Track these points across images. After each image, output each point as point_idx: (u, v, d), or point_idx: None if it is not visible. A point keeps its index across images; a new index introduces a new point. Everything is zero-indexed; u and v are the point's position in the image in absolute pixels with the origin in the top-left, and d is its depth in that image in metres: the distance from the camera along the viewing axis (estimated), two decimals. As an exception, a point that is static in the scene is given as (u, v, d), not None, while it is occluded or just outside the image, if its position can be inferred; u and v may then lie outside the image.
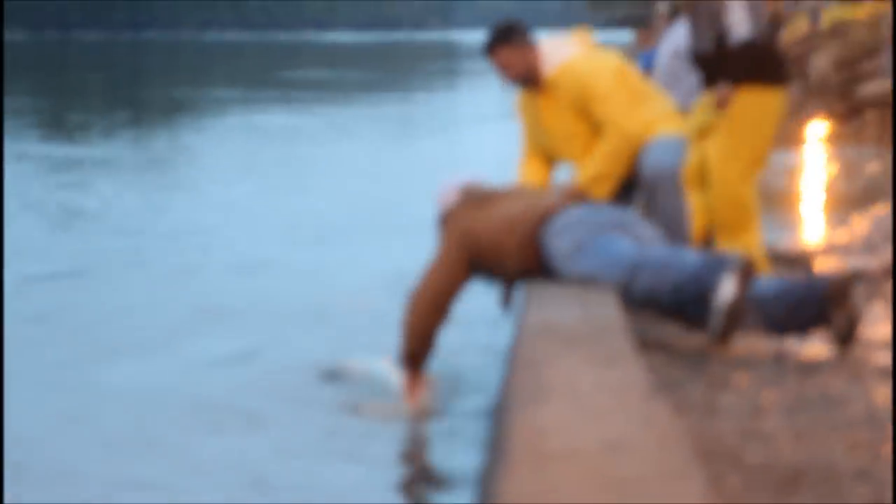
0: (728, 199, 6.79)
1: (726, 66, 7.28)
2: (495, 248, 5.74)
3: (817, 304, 5.18)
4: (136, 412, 5.98)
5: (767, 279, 5.60)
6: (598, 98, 6.55)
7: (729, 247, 7.03)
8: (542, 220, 5.72)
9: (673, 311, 5.37)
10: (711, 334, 5.14)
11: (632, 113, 6.55)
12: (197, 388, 6.38)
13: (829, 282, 5.19)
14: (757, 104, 7.08)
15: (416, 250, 6.94)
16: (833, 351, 5.16)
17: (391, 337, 5.98)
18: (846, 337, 5.17)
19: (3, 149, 15.51)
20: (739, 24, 7.22)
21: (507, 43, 6.72)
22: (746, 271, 5.12)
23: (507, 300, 6.30)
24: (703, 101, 6.75)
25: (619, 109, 6.52)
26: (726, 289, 5.09)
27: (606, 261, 5.49)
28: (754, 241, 6.87)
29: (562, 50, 6.73)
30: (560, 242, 5.62)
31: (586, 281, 5.57)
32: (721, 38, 7.29)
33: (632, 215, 5.87)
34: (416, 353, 5.83)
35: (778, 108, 7.02)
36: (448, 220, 6.01)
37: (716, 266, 5.18)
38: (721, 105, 7.37)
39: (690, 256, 5.35)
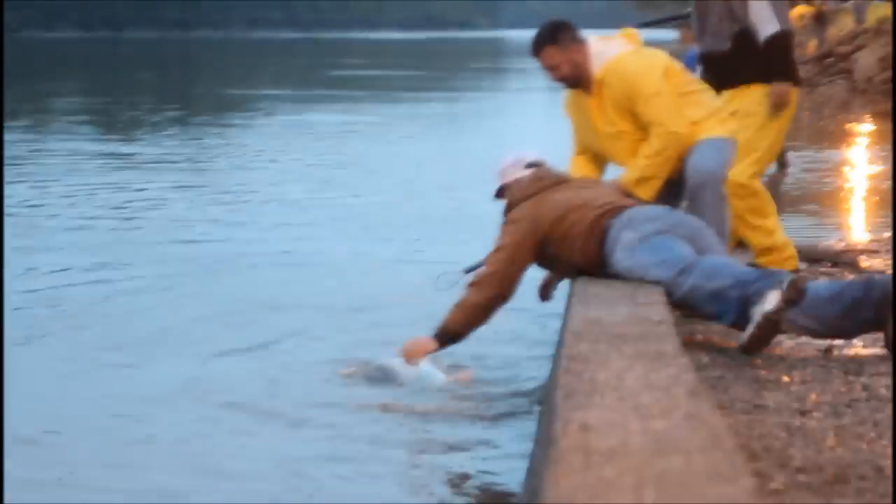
0: (750, 190, 7.02)
1: (761, 64, 7.33)
2: (564, 232, 5.84)
3: (874, 306, 5.16)
4: (170, 408, 6.02)
5: (822, 281, 5.63)
6: (645, 98, 6.53)
7: (752, 234, 7.11)
8: (616, 210, 5.81)
9: (707, 312, 5.41)
10: (744, 343, 5.14)
11: (679, 113, 6.52)
12: (235, 383, 6.38)
13: (886, 285, 5.16)
14: (793, 100, 7.29)
15: (464, 245, 6.97)
16: (887, 353, 5.15)
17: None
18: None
19: (3, 144, 15.60)
20: (767, 20, 7.28)
21: (554, 43, 6.69)
22: (794, 289, 5.10)
23: (546, 292, 6.38)
24: (725, 99, 6.84)
25: (666, 110, 6.49)
26: (770, 301, 5.10)
27: (662, 259, 5.54)
28: (775, 226, 7.02)
29: (609, 49, 6.70)
30: (628, 234, 5.68)
31: (636, 274, 5.62)
32: (743, 36, 7.36)
33: (699, 223, 5.90)
34: (457, 331, 5.98)
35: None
36: (515, 200, 6.11)
37: (766, 278, 5.20)
38: (780, 104, 7.40)
39: (741, 268, 5.40)
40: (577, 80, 6.73)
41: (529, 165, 6.30)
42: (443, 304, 6.11)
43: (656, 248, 5.61)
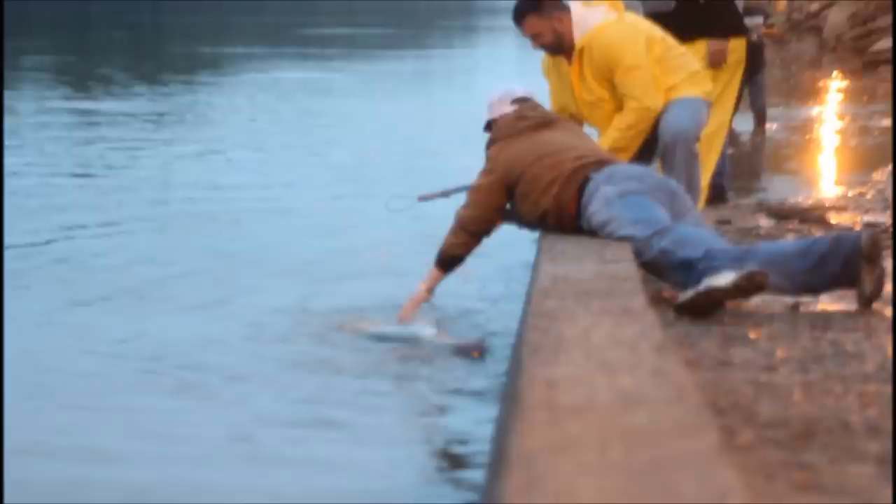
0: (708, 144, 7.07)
1: (704, 22, 7.39)
2: (537, 174, 5.86)
3: (841, 260, 5.16)
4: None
5: (788, 240, 5.64)
6: (624, 69, 6.54)
7: None
8: (598, 163, 5.81)
9: (672, 279, 5.41)
10: (680, 304, 5.10)
11: (655, 87, 6.53)
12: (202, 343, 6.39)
13: (859, 239, 5.15)
14: (741, 54, 7.37)
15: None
16: (858, 307, 5.16)
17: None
18: (873, 295, 5.16)
19: (3, 130, 15.59)
20: None
21: (536, 11, 6.67)
22: (750, 280, 5.02)
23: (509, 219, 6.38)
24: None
25: (643, 84, 6.51)
26: (723, 278, 5.02)
27: (638, 217, 5.54)
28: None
29: (592, 17, 6.67)
30: (608, 188, 5.67)
31: (610, 227, 5.62)
32: None
33: (677, 186, 5.90)
34: (451, 259, 6.17)
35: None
36: (495, 137, 6.16)
37: (733, 261, 5.17)
38: (717, 61, 7.48)
39: (717, 243, 5.38)
40: (559, 47, 6.72)
41: (517, 101, 6.30)
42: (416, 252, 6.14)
43: (634, 205, 5.60)
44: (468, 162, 6.71)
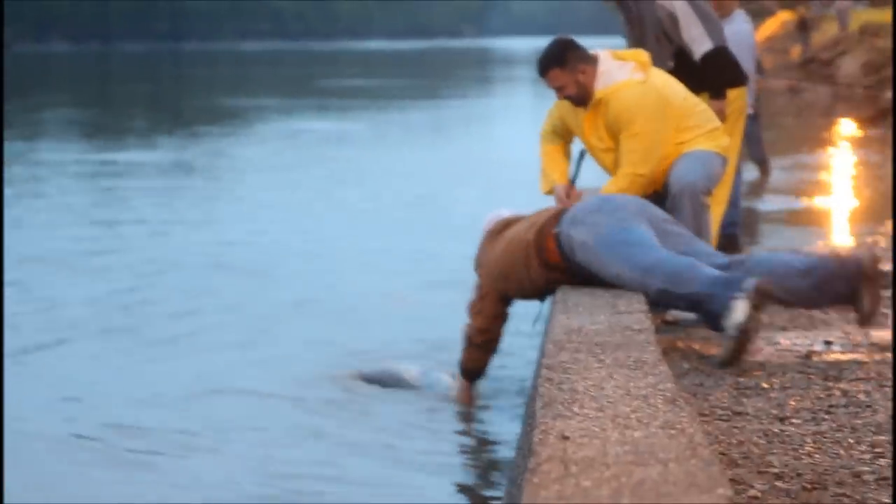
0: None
1: (700, 79, 7.45)
2: (513, 268, 5.90)
3: (847, 280, 5.28)
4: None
5: (793, 255, 5.66)
6: (628, 134, 6.59)
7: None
8: (553, 218, 5.83)
9: (681, 308, 5.49)
10: (722, 358, 5.15)
11: (653, 154, 6.58)
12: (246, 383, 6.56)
13: (861, 260, 5.29)
14: (742, 103, 7.45)
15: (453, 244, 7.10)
16: (866, 358, 5.20)
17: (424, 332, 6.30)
18: (871, 315, 5.28)
19: (2, 153, 15.72)
20: (699, 40, 7.39)
21: (560, 65, 6.74)
22: (761, 296, 5.09)
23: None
24: None
25: (641, 150, 6.56)
26: (738, 314, 5.06)
27: (623, 257, 5.56)
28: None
29: (619, 73, 6.73)
30: (579, 232, 5.68)
31: (605, 276, 5.66)
32: (680, 55, 7.49)
33: (638, 200, 5.92)
34: (472, 372, 6.46)
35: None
36: (479, 256, 6.30)
37: (729, 286, 5.19)
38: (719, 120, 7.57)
39: (705, 272, 5.38)
40: (582, 99, 6.80)
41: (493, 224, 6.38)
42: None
43: (613, 244, 5.60)
44: (473, 209, 6.86)
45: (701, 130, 6.74)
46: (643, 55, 6.84)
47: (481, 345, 6.29)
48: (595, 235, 5.64)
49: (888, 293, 5.44)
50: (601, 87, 6.69)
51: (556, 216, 5.86)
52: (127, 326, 8.20)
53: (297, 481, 5.35)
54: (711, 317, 5.21)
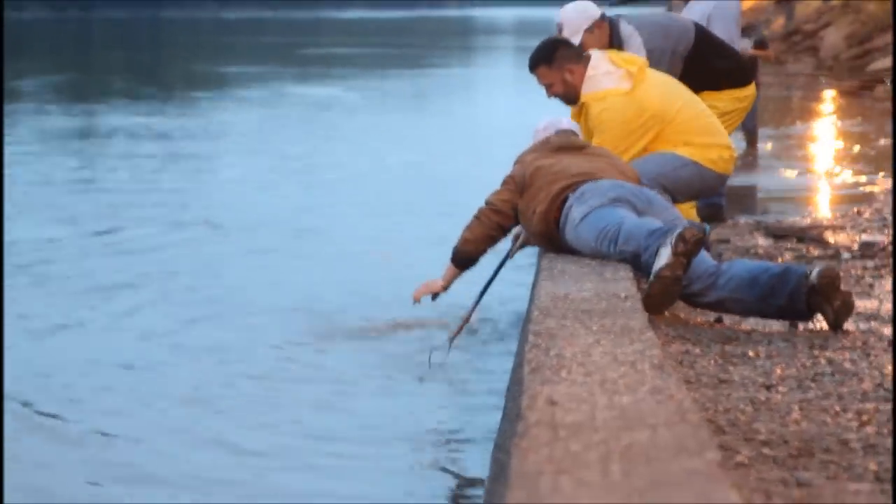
0: None
1: (683, 80, 7.50)
2: (532, 196, 5.93)
3: (786, 295, 5.25)
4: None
5: (745, 262, 5.67)
6: (598, 142, 6.67)
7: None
8: (578, 183, 5.85)
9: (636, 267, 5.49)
10: (643, 301, 5.17)
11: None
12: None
13: (804, 276, 5.25)
14: (728, 105, 7.61)
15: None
16: (852, 328, 5.21)
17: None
18: (839, 323, 5.23)
19: (3, 142, 15.72)
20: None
21: (548, 63, 6.80)
22: (685, 239, 5.11)
23: (510, 254, 6.48)
24: None
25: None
26: (660, 259, 5.15)
27: (598, 231, 5.61)
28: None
29: (606, 80, 6.77)
30: (576, 210, 5.74)
31: (582, 250, 5.70)
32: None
33: (652, 193, 5.93)
34: (461, 254, 6.21)
35: None
36: (523, 153, 6.31)
37: (661, 235, 5.25)
38: None
39: (647, 226, 5.41)
40: (568, 98, 6.84)
41: (560, 131, 6.39)
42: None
43: (595, 220, 5.66)
44: (472, 170, 6.84)
45: (692, 141, 6.77)
46: (637, 62, 6.85)
47: (484, 221, 6.13)
48: (585, 212, 5.69)
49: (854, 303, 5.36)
50: (587, 91, 6.75)
51: (580, 181, 5.88)
52: (115, 283, 8.19)
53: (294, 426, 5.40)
54: (647, 268, 5.25)
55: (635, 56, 6.99)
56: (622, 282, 5.15)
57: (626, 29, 7.55)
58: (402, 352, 6.47)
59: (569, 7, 7.45)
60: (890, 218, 8.76)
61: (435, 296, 6.33)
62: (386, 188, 12.55)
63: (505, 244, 6.40)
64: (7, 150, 15.08)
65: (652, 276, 5.15)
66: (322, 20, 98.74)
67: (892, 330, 5.14)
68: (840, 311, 5.19)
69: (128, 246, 9.58)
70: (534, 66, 6.86)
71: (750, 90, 7.98)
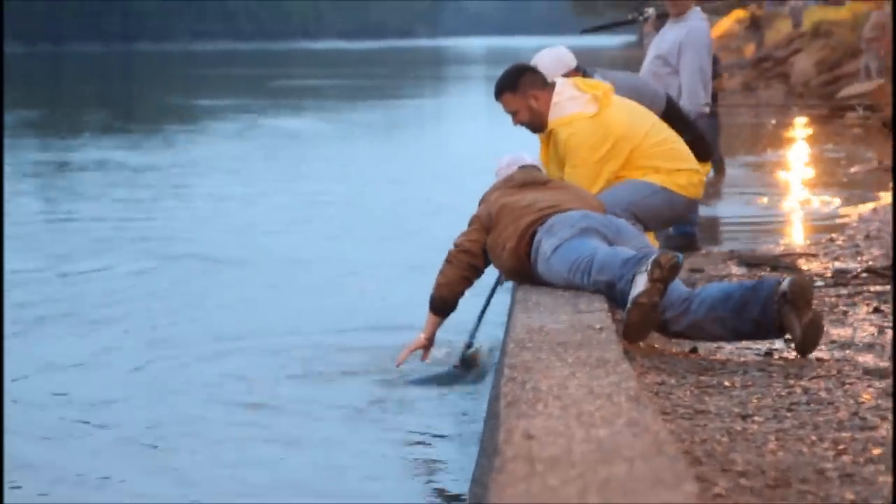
0: None
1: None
2: (499, 233, 5.95)
3: (760, 304, 5.20)
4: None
5: (716, 283, 5.68)
6: (570, 165, 6.70)
7: None
8: (546, 216, 5.86)
9: (612, 298, 5.47)
10: (622, 330, 5.17)
11: (591, 184, 6.62)
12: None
13: (777, 284, 5.20)
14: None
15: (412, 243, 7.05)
16: (827, 357, 5.19)
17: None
18: (808, 342, 5.17)
19: (2, 155, 15.73)
20: None
21: (513, 90, 6.78)
22: (661, 266, 5.12)
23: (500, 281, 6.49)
24: None
25: (580, 182, 6.61)
26: (638, 285, 5.15)
27: (570, 263, 5.62)
28: None
29: (571, 105, 6.77)
30: (546, 243, 5.75)
31: (555, 283, 5.71)
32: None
33: (621, 222, 5.94)
34: (440, 300, 6.18)
35: None
36: (487, 193, 6.31)
37: (636, 263, 5.25)
38: None
39: (622, 256, 5.43)
40: (534, 125, 6.83)
41: (522, 168, 6.39)
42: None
43: (566, 252, 5.68)
44: (445, 199, 6.85)
45: (661, 167, 6.78)
46: (602, 87, 6.86)
47: (455, 263, 6.12)
48: (556, 245, 5.70)
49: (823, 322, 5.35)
50: (553, 117, 6.75)
51: (548, 214, 5.89)
52: (103, 318, 8.18)
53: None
54: (622, 297, 5.25)
55: (600, 81, 6.99)
56: (597, 313, 5.16)
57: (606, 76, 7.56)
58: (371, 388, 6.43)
59: (545, 53, 7.45)
60: (862, 245, 8.79)
61: (425, 350, 6.29)
62: (361, 217, 12.60)
63: (490, 276, 6.41)
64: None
65: (629, 304, 5.15)
66: (293, 52, 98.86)
67: (893, 330, 5.14)
68: (808, 329, 5.13)
69: (106, 278, 9.58)
70: (499, 93, 6.85)
71: (707, 168, 8.02)
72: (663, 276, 5.12)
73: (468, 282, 6.17)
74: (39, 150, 21.17)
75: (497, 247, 5.98)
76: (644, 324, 5.18)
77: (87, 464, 5.40)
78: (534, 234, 5.86)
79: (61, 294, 9.04)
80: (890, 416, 4.13)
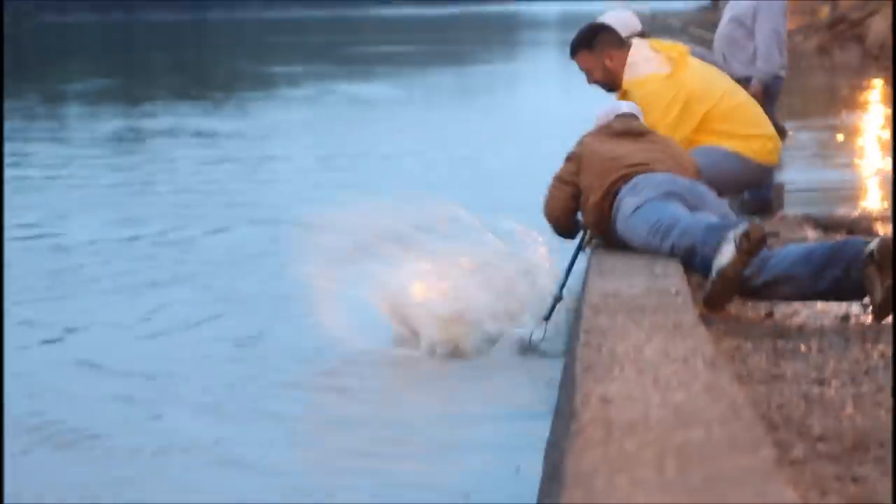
0: None
1: None
2: (588, 182, 5.96)
3: (843, 265, 5.10)
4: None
5: (795, 245, 5.62)
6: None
7: None
8: (633, 174, 5.85)
9: (696, 269, 5.43)
10: (704, 299, 5.14)
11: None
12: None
13: (863, 244, 5.08)
14: None
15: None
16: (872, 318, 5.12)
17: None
18: (885, 304, 5.01)
19: (2, 140, 15.92)
20: None
21: (589, 48, 6.81)
22: (749, 237, 5.06)
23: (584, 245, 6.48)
24: None
25: None
26: (722, 257, 5.08)
27: (650, 225, 5.60)
28: None
29: (645, 65, 6.77)
30: (629, 200, 5.75)
31: (629, 240, 5.71)
32: None
33: (704, 188, 5.91)
34: (556, 230, 6.41)
35: None
36: (583, 136, 6.34)
37: (722, 229, 5.20)
38: None
39: (705, 221, 5.39)
40: (610, 84, 6.83)
41: (620, 116, 6.38)
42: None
43: (648, 213, 5.65)
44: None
45: (735, 132, 6.75)
46: (678, 49, 6.85)
47: (556, 194, 6.24)
48: (638, 204, 5.68)
49: None
50: (628, 77, 6.75)
51: (634, 172, 5.88)
52: (162, 280, 8.28)
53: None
54: (705, 263, 5.21)
55: (676, 43, 6.98)
56: (672, 278, 5.15)
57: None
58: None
59: (609, 15, 7.45)
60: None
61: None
62: (435, 182, 12.61)
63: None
64: (59, 152, 15.22)
65: (714, 274, 5.08)
66: (367, 18, 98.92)
67: (893, 330, 5.07)
68: (890, 293, 4.97)
69: (184, 245, 9.67)
70: (574, 51, 6.86)
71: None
72: (751, 248, 5.05)
73: (573, 210, 6.25)
74: (115, 118, 21.35)
75: (583, 194, 6.00)
76: (728, 294, 5.13)
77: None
78: (618, 191, 5.85)
79: (156, 258, 9.14)
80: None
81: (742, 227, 5.09)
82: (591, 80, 6.89)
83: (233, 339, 6.91)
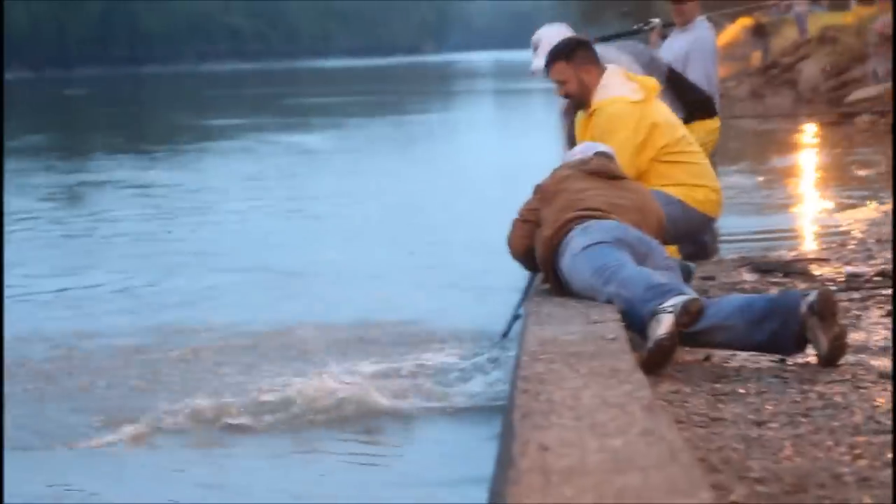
0: None
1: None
2: (545, 216, 5.97)
3: (781, 318, 5.13)
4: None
5: (735, 295, 5.64)
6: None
7: None
8: (584, 217, 5.85)
9: (628, 322, 5.42)
10: (641, 365, 5.13)
11: (629, 167, 6.61)
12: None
13: (800, 297, 5.14)
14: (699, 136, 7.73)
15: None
16: (842, 362, 5.13)
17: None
18: (832, 356, 5.08)
19: (3, 166, 15.82)
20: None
21: (568, 60, 6.82)
22: (689, 311, 5.08)
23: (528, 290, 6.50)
24: None
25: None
26: (662, 327, 5.05)
27: (595, 267, 5.59)
28: None
29: (619, 88, 6.80)
30: (579, 240, 5.72)
31: (572, 278, 5.72)
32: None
33: (654, 243, 5.90)
34: (521, 263, 6.42)
35: None
36: (557, 168, 6.34)
37: (664, 296, 5.17)
38: None
39: (648, 280, 5.36)
40: (581, 99, 6.85)
41: (598, 154, 6.38)
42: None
43: (594, 255, 5.65)
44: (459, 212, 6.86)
45: (683, 180, 6.80)
46: (652, 82, 6.90)
47: (517, 231, 6.28)
48: (587, 244, 5.68)
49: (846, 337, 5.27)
50: (598, 98, 6.77)
51: (589, 217, 5.88)
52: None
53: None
54: (638, 321, 5.21)
55: (650, 78, 7.04)
56: (609, 323, 5.14)
57: (608, 52, 7.62)
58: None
59: (545, 28, 7.51)
60: (874, 249, 8.77)
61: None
62: (378, 226, 12.66)
63: None
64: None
65: (652, 344, 5.04)
66: (301, 70, 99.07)
67: (893, 331, 5.10)
68: (835, 344, 5.04)
69: (136, 296, 9.64)
70: (552, 60, 6.87)
71: (716, 122, 8.09)
72: (690, 321, 5.09)
73: (532, 250, 6.25)
74: (50, 173, 21.25)
75: (540, 225, 6.02)
76: (665, 361, 5.12)
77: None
78: (570, 229, 5.85)
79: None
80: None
81: (681, 299, 5.09)
82: (564, 91, 6.90)
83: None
